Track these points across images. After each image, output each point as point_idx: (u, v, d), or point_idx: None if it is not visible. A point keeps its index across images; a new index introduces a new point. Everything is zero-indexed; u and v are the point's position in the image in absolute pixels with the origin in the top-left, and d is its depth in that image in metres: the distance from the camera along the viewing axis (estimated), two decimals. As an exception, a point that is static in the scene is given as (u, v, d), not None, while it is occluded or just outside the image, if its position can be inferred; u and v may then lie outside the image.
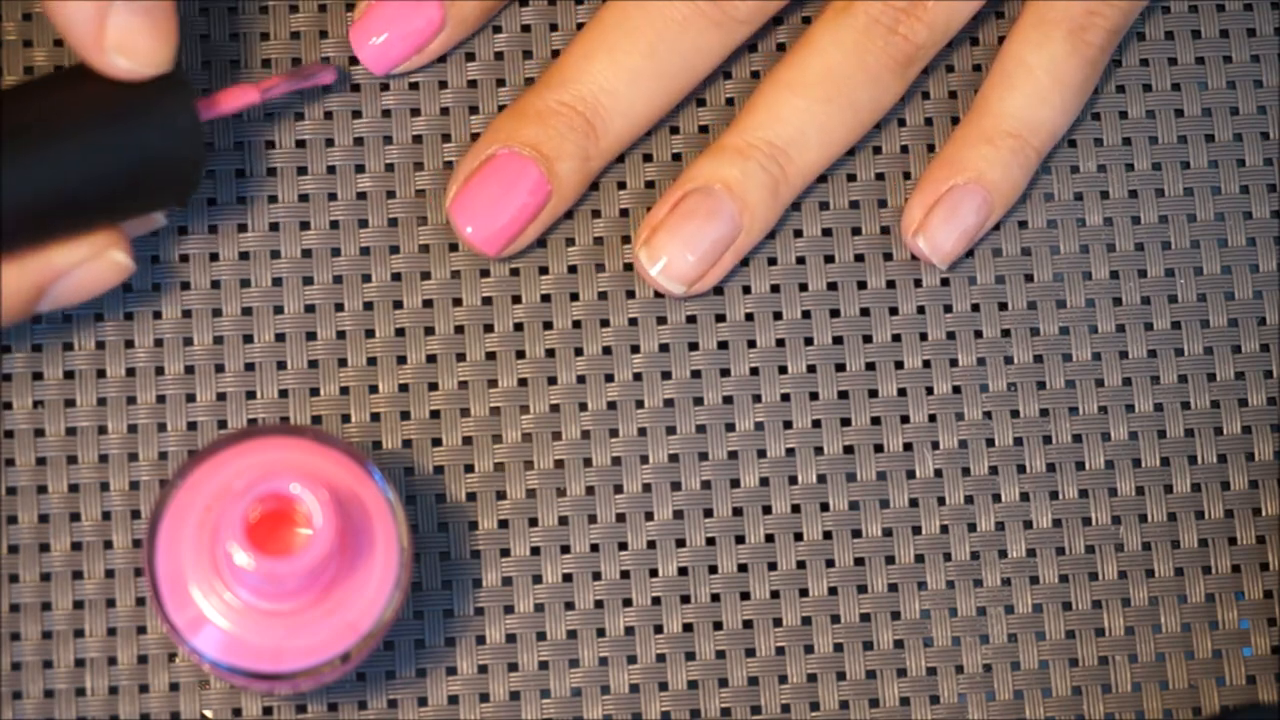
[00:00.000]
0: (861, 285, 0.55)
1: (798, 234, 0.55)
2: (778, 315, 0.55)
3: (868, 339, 0.55)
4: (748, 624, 0.53)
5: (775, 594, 0.53)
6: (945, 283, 0.55)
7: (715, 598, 0.53)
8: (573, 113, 0.53)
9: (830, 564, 0.54)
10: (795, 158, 0.53)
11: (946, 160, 0.54)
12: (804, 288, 0.55)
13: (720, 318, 0.54)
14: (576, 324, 0.54)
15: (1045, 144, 0.54)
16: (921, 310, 0.55)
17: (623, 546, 0.53)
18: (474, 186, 0.53)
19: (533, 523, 0.53)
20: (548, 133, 0.53)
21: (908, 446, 0.54)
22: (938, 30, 0.54)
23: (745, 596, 0.53)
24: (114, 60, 0.48)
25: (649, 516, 0.53)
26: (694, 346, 0.54)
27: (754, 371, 0.54)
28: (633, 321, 0.54)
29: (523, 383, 0.54)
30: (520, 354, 0.54)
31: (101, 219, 0.50)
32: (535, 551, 0.53)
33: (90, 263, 0.50)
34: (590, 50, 0.53)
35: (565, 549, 0.53)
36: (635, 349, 0.54)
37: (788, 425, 0.54)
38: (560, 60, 0.54)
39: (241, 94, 0.51)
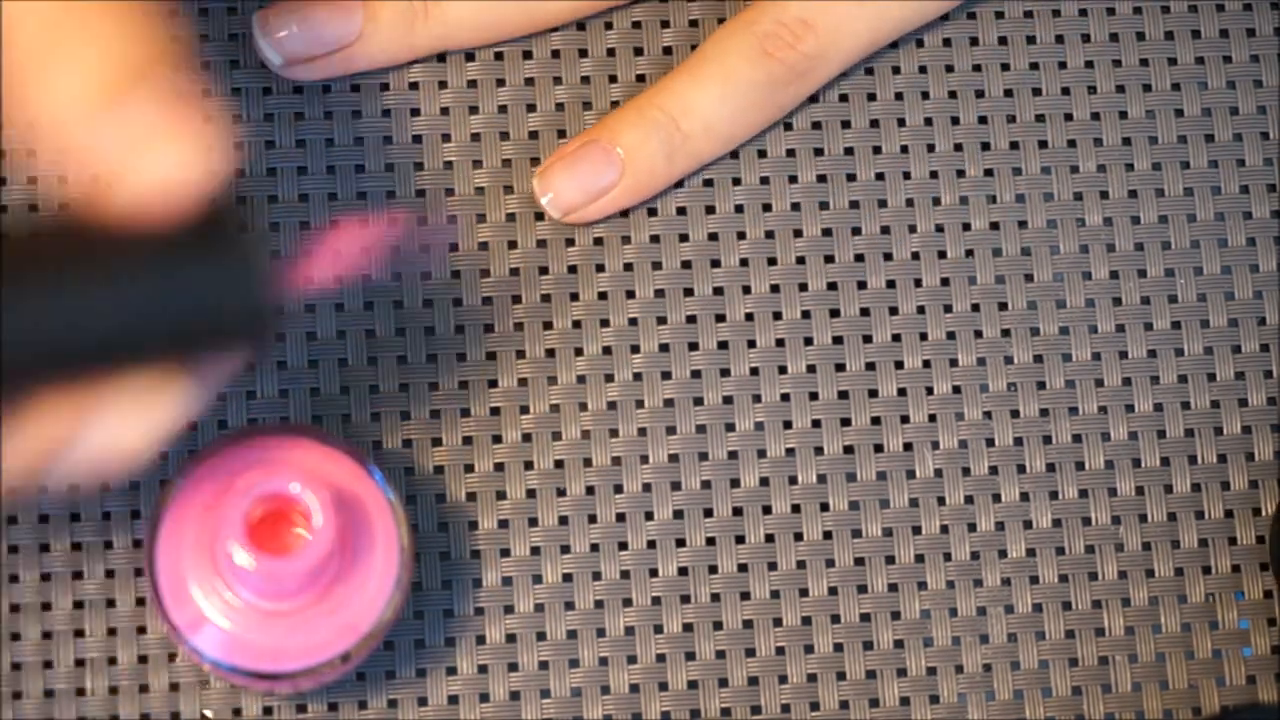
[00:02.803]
0: (861, 285, 0.55)
1: (797, 234, 0.55)
2: (777, 315, 0.55)
3: (868, 339, 0.55)
4: (748, 624, 0.53)
5: (775, 594, 0.53)
6: (945, 282, 0.55)
7: (715, 598, 0.53)
8: None
9: (830, 564, 0.54)
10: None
11: (596, 125, 0.54)
12: (804, 288, 0.55)
13: (720, 318, 0.54)
14: (576, 324, 0.54)
15: (697, 131, 0.54)
16: (921, 310, 0.55)
17: (623, 546, 0.53)
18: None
19: (533, 523, 0.53)
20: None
21: (908, 446, 0.54)
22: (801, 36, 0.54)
23: (745, 596, 0.53)
24: (143, 164, 0.40)
25: (649, 516, 0.53)
26: (694, 346, 0.54)
27: (754, 371, 0.54)
28: (633, 321, 0.54)
29: (523, 383, 0.54)
30: (520, 354, 0.54)
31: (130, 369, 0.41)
32: (535, 551, 0.53)
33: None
34: None
35: (565, 549, 0.53)
36: (635, 349, 0.54)
37: (788, 425, 0.54)
38: None
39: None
